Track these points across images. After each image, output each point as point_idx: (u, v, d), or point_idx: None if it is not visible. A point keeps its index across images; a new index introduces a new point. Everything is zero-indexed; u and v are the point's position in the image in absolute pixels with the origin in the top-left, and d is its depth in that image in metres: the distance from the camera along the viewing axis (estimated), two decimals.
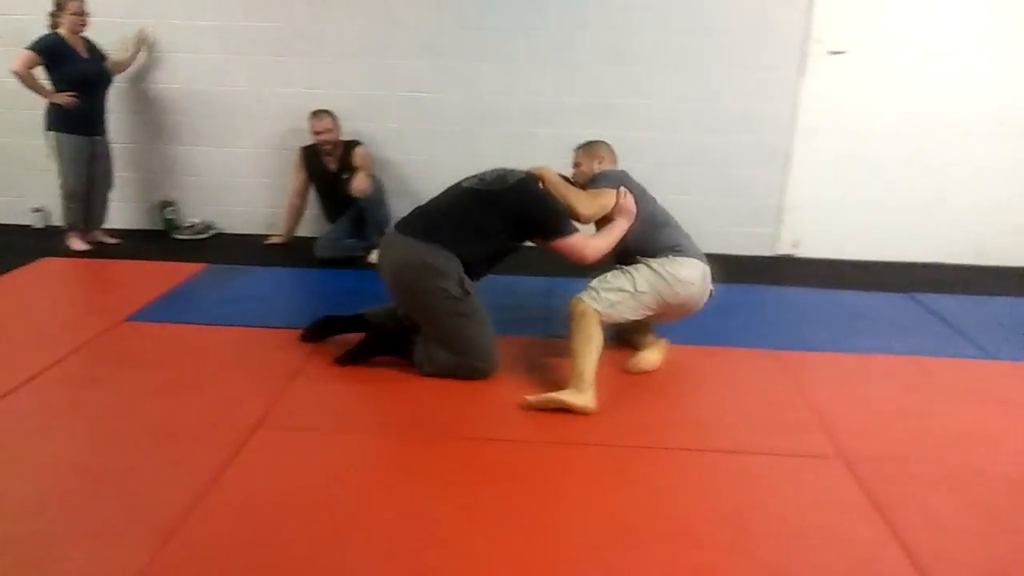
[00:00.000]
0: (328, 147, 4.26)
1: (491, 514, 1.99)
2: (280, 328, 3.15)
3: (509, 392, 2.66)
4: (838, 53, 4.19)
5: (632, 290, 2.69)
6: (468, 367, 2.73)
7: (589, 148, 3.13)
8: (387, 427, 2.45)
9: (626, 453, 2.32)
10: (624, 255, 2.82)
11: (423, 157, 4.51)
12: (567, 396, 2.53)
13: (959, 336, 3.32)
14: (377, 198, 4.22)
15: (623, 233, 2.79)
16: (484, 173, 2.87)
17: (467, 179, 2.88)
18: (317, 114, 4.23)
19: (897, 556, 1.86)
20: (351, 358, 2.83)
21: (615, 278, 2.73)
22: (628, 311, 2.71)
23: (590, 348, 2.59)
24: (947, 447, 2.41)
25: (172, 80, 4.48)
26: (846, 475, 2.21)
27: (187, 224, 4.61)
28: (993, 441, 2.45)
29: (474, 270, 2.74)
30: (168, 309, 3.39)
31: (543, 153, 4.42)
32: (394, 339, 2.84)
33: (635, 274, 2.72)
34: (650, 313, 2.76)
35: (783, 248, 4.57)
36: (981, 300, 3.86)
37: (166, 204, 4.62)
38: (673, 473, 2.23)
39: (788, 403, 2.66)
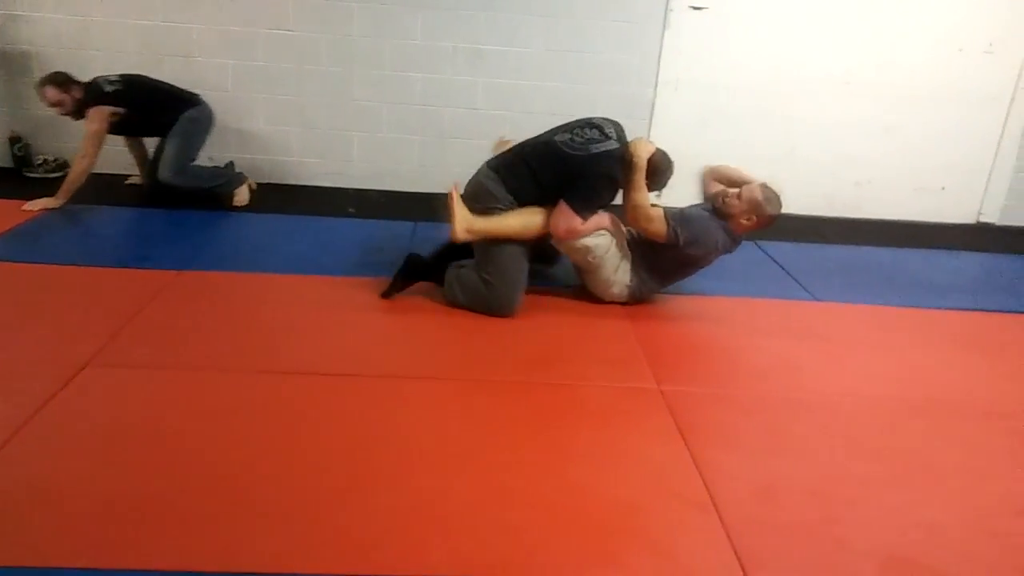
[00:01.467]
0: (68, 115, 3.81)
1: (311, 448, 2.06)
2: (128, 268, 3.11)
3: (365, 328, 2.72)
4: (699, 8, 4.34)
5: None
6: (494, 297, 2.89)
7: (760, 206, 2.96)
8: (222, 363, 2.47)
9: (460, 386, 2.42)
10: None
11: (290, 97, 4.42)
12: (459, 207, 2.85)
13: (791, 280, 3.58)
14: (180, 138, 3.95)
15: (592, 230, 2.90)
16: (576, 129, 2.96)
17: (560, 131, 2.99)
18: (37, 90, 3.81)
19: (688, 471, 2.04)
20: (394, 288, 3.01)
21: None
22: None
23: (517, 220, 2.87)
24: (755, 377, 2.63)
25: (16, 6, 4.22)
26: (660, 404, 2.38)
27: (39, 161, 4.39)
28: (799, 372, 2.69)
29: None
30: (10, 248, 3.26)
31: (416, 97, 4.46)
32: (429, 267, 3.06)
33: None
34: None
35: None
36: (821, 247, 4.15)
37: (15, 140, 4.38)
38: (505, 404, 2.34)
39: (620, 340, 2.82)
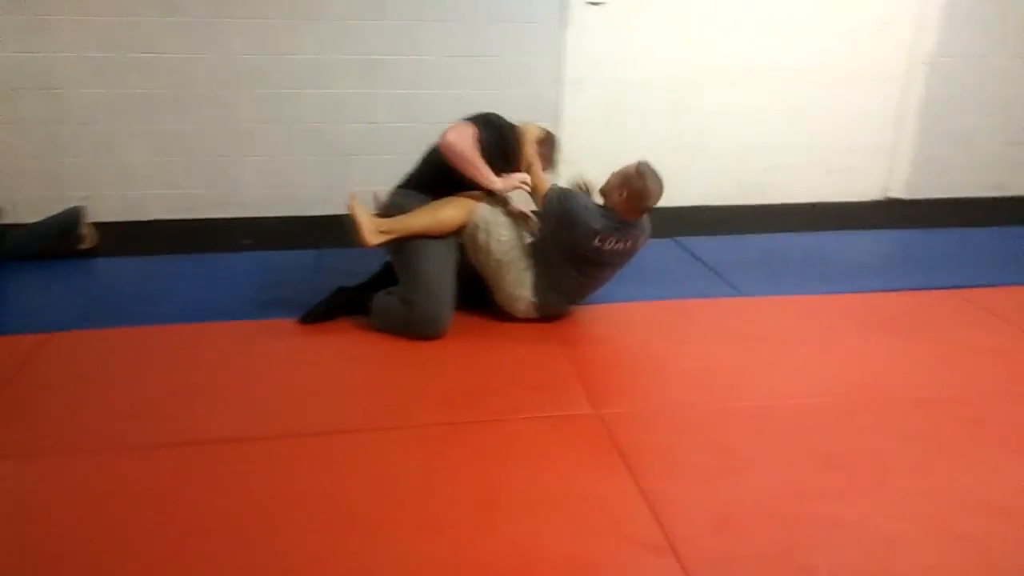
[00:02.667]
0: None
1: (205, 526, 1.81)
2: None
3: (269, 380, 2.46)
4: (598, 3, 4.22)
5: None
6: (417, 315, 2.74)
7: (630, 177, 2.84)
8: (99, 442, 2.17)
9: (377, 438, 2.19)
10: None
11: (171, 125, 4.08)
12: (361, 213, 2.80)
13: (714, 276, 3.49)
14: None
15: (471, 176, 2.83)
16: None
17: None
18: None
19: (638, 508, 1.88)
20: (315, 316, 2.89)
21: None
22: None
23: (425, 212, 2.81)
24: (692, 388, 2.50)
25: None
26: (600, 431, 2.22)
27: None
28: (735, 377, 2.57)
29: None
30: None
31: (310, 115, 4.19)
32: (356, 301, 2.92)
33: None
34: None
35: None
36: (739, 239, 4.09)
37: None
38: (429, 453, 2.12)
39: (550, 361, 2.65)
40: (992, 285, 3.39)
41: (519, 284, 2.85)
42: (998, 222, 4.43)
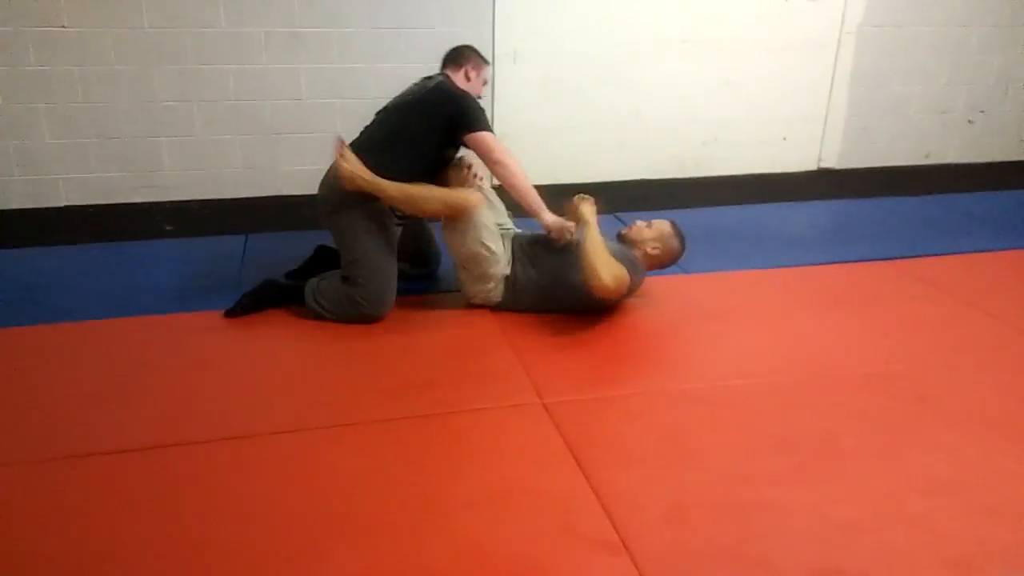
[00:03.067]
0: None
1: (125, 542, 1.66)
2: None
3: (197, 378, 2.30)
4: None
5: None
6: (362, 296, 2.64)
7: (670, 238, 2.92)
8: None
9: (315, 438, 2.07)
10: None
11: (78, 104, 3.80)
12: (349, 154, 2.58)
13: None
14: None
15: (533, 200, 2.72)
16: (409, 88, 2.86)
17: (396, 97, 2.85)
18: None
19: (589, 502, 1.81)
20: (243, 308, 2.71)
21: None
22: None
23: (416, 187, 2.63)
24: (639, 373, 2.45)
25: None
26: (545, 421, 2.14)
27: None
28: (682, 359, 2.54)
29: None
30: None
31: (224, 91, 3.95)
32: (287, 290, 2.78)
33: None
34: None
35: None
36: (679, 213, 4.03)
37: None
38: (370, 452, 2.01)
39: (492, 349, 2.55)
40: (927, 255, 3.43)
41: (490, 287, 2.76)
42: (927, 190, 4.50)
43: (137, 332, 2.61)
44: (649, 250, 2.84)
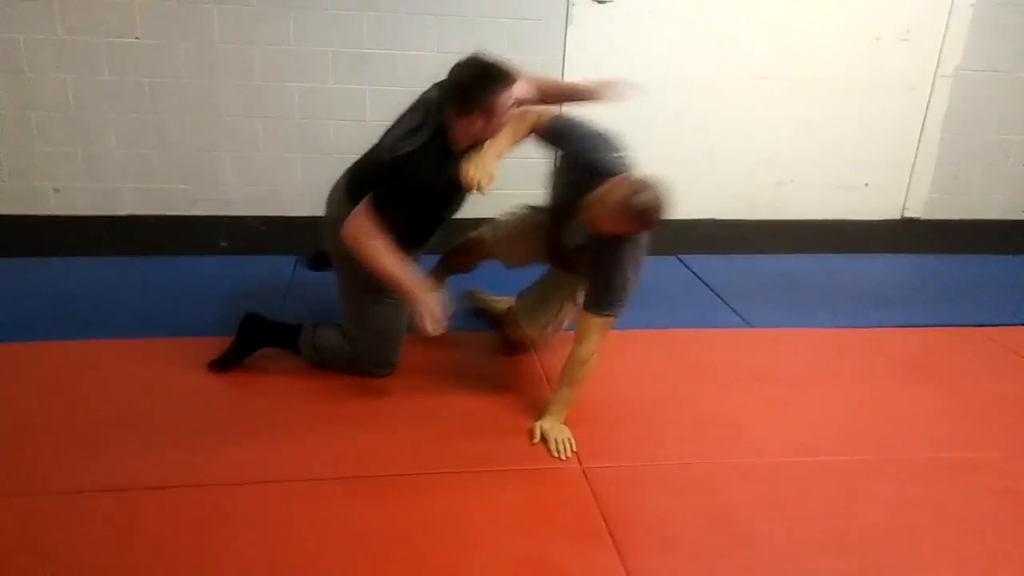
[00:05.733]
0: None
1: None
2: None
3: (206, 413, 2.22)
4: (604, 2, 3.95)
5: None
6: (361, 357, 2.40)
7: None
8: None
9: (322, 489, 1.95)
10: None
11: (145, 114, 3.82)
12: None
13: (719, 302, 3.24)
14: None
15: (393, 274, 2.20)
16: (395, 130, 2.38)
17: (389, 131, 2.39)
18: None
19: None
20: (228, 361, 2.44)
21: None
22: None
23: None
24: (688, 440, 2.25)
25: None
26: (584, 490, 1.98)
27: None
28: (736, 427, 2.33)
29: (407, 238, 2.23)
30: None
31: (291, 110, 3.93)
32: (273, 329, 2.46)
33: None
34: None
35: None
36: (747, 259, 3.84)
37: None
38: (375, 511, 1.87)
39: (525, 401, 2.38)
40: (1018, 323, 3.14)
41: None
42: (1021, 249, 4.16)
43: (162, 354, 2.54)
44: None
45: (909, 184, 4.59)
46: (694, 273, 3.54)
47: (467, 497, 1.94)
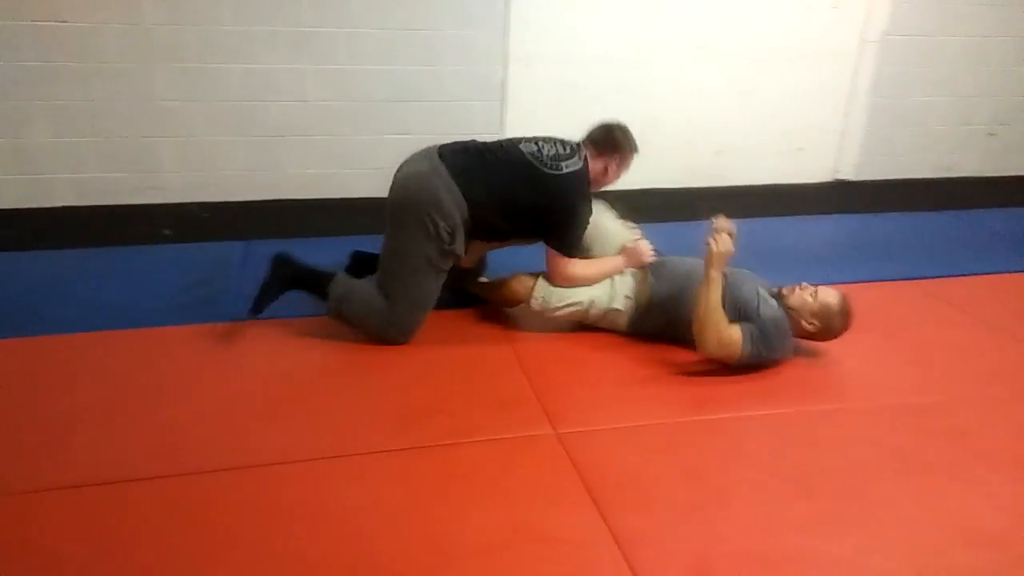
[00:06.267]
0: None
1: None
2: None
3: (186, 399, 2.18)
4: None
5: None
6: (390, 316, 2.49)
7: (832, 316, 2.53)
8: None
9: (311, 470, 1.95)
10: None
11: (75, 101, 3.67)
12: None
13: None
14: None
15: (613, 273, 2.66)
16: (542, 143, 2.60)
17: (526, 141, 2.61)
18: None
19: (609, 551, 1.70)
20: (264, 300, 2.51)
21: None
22: None
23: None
24: (658, 401, 2.32)
25: None
26: (560, 455, 2.03)
27: None
28: (701, 386, 2.40)
29: (472, 232, 2.51)
30: None
31: (230, 93, 3.83)
32: (307, 274, 2.56)
33: None
34: None
35: None
36: (692, 225, 3.90)
37: None
38: (361, 487, 1.88)
39: (503, 371, 2.43)
40: (951, 275, 3.31)
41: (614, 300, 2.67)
42: (949, 205, 4.38)
43: (127, 346, 2.49)
44: (805, 323, 2.51)
45: (840, 147, 4.76)
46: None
47: (449, 469, 1.96)
